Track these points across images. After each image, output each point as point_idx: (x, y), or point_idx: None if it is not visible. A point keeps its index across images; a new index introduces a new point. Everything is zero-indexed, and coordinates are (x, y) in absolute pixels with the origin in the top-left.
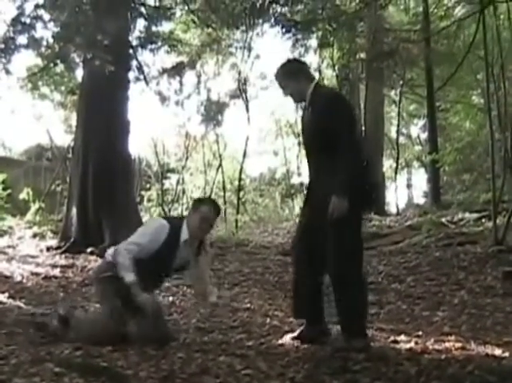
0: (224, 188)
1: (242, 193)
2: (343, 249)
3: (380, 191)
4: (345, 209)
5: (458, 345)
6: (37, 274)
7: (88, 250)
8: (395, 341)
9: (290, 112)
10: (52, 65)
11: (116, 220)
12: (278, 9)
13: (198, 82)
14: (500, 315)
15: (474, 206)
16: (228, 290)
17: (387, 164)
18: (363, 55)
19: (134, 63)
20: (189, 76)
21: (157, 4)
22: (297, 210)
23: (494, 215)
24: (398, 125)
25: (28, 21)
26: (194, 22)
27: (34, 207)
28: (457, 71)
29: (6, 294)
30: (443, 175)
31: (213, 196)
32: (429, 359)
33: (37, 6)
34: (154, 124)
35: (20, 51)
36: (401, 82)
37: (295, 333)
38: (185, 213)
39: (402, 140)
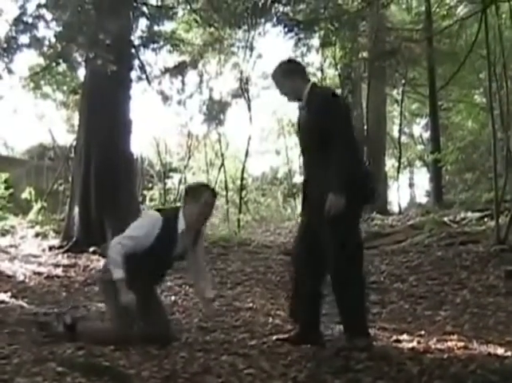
0: (226, 188)
1: (244, 192)
2: (342, 248)
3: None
4: (342, 206)
5: (461, 344)
6: (39, 274)
7: (91, 249)
8: (398, 341)
9: (292, 111)
10: (54, 64)
11: (118, 219)
12: (280, 9)
13: (201, 81)
14: (502, 314)
15: (477, 205)
16: (230, 289)
17: (390, 164)
18: (365, 54)
19: (136, 62)
20: (191, 76)
21: (159, 3)
22: (299, 209)
23: (496, 214)
24: (400, 124)
25: (30, 20)
26: (196, 22)
27: (36, 206)
28: (459, 70)
29: (9, 294)
30: (446, 174)
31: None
32: (431, 358)
33: (39, 6)
34: (156, 123)
35: (22, 50)
36: (403, 81)
37: (286, 335)
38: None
39: (404, 139)
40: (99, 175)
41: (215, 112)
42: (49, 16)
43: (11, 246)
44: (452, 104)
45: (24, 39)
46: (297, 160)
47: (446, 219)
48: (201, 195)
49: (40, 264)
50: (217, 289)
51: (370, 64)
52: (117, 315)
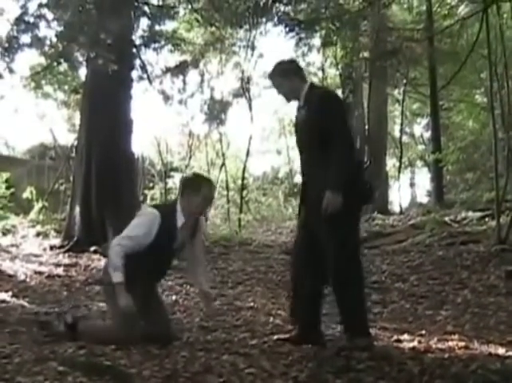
0: (227, 187)
1: (245, 192)
2: (341, 248)
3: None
4: (339, 204)
5: (462, 344)
6: (40, 273)
7: (92, 248)
8: (399, 341)
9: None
10: (55, 64)
11: (119, 219)
12: (282, 8)
13: (202, 81)
14: (503, 314)
15: (478, 205)
16: (231, 288)
17: (391, 163)
18: (366, 54)
19: (137, 62)
20: (192, 75)
21: (160, 3)
22: (297, 209)
23: (497, 213)
24: (401, 124)
25: (31, 20)
26: (197, 21)
27: (38, 205)
28: (460, 70)
29: (10, 293)
30: (447, 174)
31: (216, 195)
32: (432, 358)
33: (40, 5)
34: (157, 122)
35: (23, 50)
36: (404, 81)
37: (287, 335)
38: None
39: (405, 139)
40: (100, 174)
41: (216, 111)
42: (50, 15)
43: (12, 245)
44: (453, 104)
45: (25, 38)
46: (297, 160)
47: (447, 218)
48: (200, 187)
49: (41, 263)
50: (218, 288)
51: (371, 63)
52: (119, 315)
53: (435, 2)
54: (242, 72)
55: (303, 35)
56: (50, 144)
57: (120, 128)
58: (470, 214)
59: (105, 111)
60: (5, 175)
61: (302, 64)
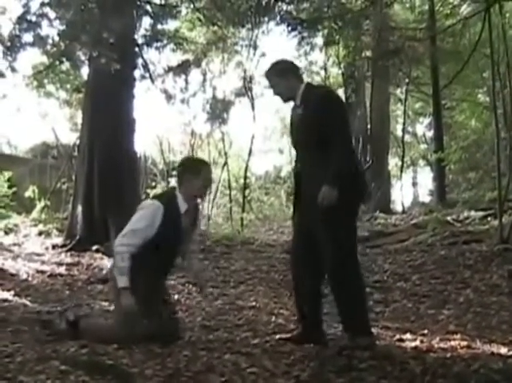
0: (229, 186)
1: (247, 191)
2: (337, 246)
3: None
4: (334, 198)
5: (464, 343)
6: (42, 272)
7: (94, 248)
8: (401, 340)
9: None
10: (57, 62)
11: (121, 218)
12: (284, 8)
13: (204, 80)
14: (506, 314)
15: (480, 204)
16: (233, 288)
17: (393, 163)
18: (368, 53)
19: (139, 61)
20: (194, 75)
21: (163, 2)
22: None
23: (499, 213)
24: (404, 123)
25: (33, 19)
26: (199, 20)
27: (40, 205)
28: (463, 69)
29: (12, 292)
30: (449, 173)
31: (218, 195)
32: (434, 357)
33: (42, 4)
34: (159, 122)
35: (25, 49)
36: (407, 80)
37: (289, 334)
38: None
39: (407, 138)
40: (102, 173)
41: (219, 110)
42: (52, 14)
43: (14, 244)
44: (456, 103)
45: (27, 37)
46: None
47: (449, 218)
48: (200, 170)
49: (43, 262)
50: (220, 287)
51: (373, 63)
52: (124, 315)
53: (438, 2)
54: (245, 71)
55: (305, 34)
56: (52, 142)
57: (123, 127)
58: (473, 213)
59: (107, 110)
60: (7, 174)
61: (304, 63)
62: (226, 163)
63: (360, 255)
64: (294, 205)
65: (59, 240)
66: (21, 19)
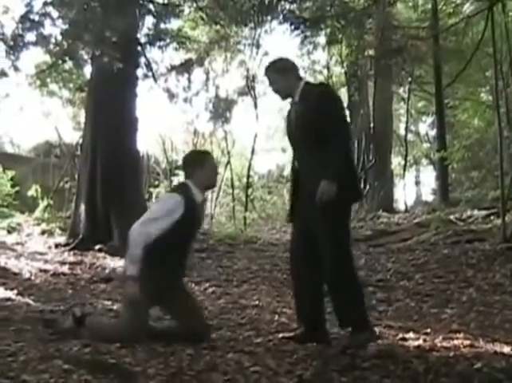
0: (232, 185)
1: (250, 190)
2: (338, 246)
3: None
4: (333, 194)
5: (467, 342)
6: (45, 271)
7: (97, 247)
8: (404, 339)
9: None
10: (60, 62)
11: (124, 217)
12: (287, 6)
13: (207, 79)
14: (509, 313)
15: (483, 203)
16: (236, 287)
17: (396, 161)
18: (371, 52)
19: (142, 60)
20: (197, 74)
21: (165, 1)
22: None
23: (502, 212)
24: (406, 122)
25: (36, 18)
26: (202, 19)
27: (43, 204)
28: (465, 68)
29: (15, 291)
30: (452, 172)
31: (221, 193)
32: (437, 356)
33: (45, 3)
34: (162, 120)
35: (28, 48)
36: (409, 79)
37: (292, 333)
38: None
39: (410, 137)
40: (105, 172)
41: (221, 109)
42: (55, 14)
43: (17, 243)
44: (458, 102)
45: (30, 37)
46: None
47: (452, 217)
48: (204, 161)
49: (46, 261)
50: (223, 286)
51: (376, 62)
52: (131, 316)
53: (440, 0)
54: (247, 70)
55: (308, 33)
56: (55, 142)
57: (125, 126)
58: (476, 212)
59: (110, 109)
60: (10, 173)
61: (307, 62)
62: (228, 162)
63: (363, 254)
64: (292, 204)
65: (62, 239)
66: (24, 18)
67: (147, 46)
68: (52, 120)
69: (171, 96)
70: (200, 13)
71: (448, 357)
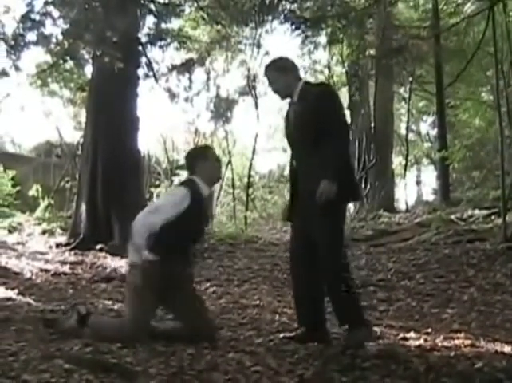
0: (233, 185)
1: (251, 190)
2: (335, 246)
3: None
4: (333, 194)
5: (468, 342)
6: (46, 271)
7: (98, 246)
8: (405, 339)
9: None
10: (61, 61)
11: (125, 217)
12: (288, 6)
13: (208, 79)
14: (510, 312)
15: (484, 203)
16: (237, 286)
17: (397, 161)
18: (372, 52)
19: (143, 60)
20: (198, 73)
21: (166, 1)
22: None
23: (503, 212)
24: (407, 122)
25: (37, 17)
26: (203, 19)
27: (43, 203)
28: (466, 68)
29: (16, 291)
30: (453, 172)
31: (222, 193)
32: (438, 356)
33: (46, 3)
34: (163, 120)
35: (29, 48)
36: (410, 79)
37: (293, 333)
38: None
39: (411, 136)
40: (106, 172)
41: (222, 109)
42: (56, 13)
43: (18, 243)
44: (459, 102)
45: (31, 36)
46: None
47: (453, 216)
48: (207, 154)
49: (47, 261)
50: (224, 286)
51: (377, 61)
52: (135, 315)
53: (441, 0)
54: (248, 70)
55: (309, 33)
56: (56, 141)
57: (126, 125)
58: (477, 212)
59: (111, 109)
60: (11, 173)
61: (308, 62)
62: (229, 162)
63: (364, 254)
64: (290, 203)
65: (63, 239)
66: (25, 18)
67: (148, 46)
68: (53, 119)
69: (172, 95)
70: (201, 13)
71: (449, 356)
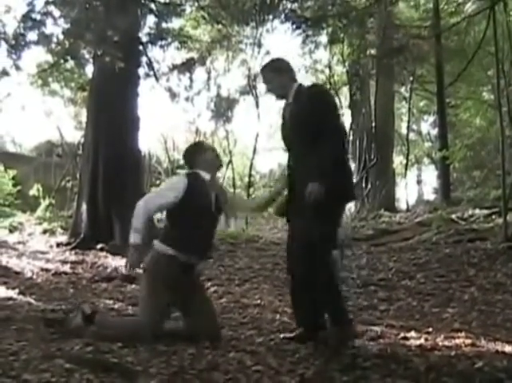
0: (234, 185)
1: (251, 189)
2: (322, 247)
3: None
4: (320, 194)
5: (468, 341)
6: (47, 270)
7: (98, 246)
8: (405, 338)
9: None
10: (62, 61)
11: (125, 216)
12: (288, 6)
13: (208, 78)
14: (510, 312)
15: (485, 202)
16: (238, 286)
17: (398, 161)
18: (373, 51)
19: (144, 59)
20: (199, 73)
21: (167, 0)
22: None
23: (504, 211)
24: (408, 121)
25: (38, 17)
26: (204, 19)
27: (44, 203)
28: (467, 67)
29: (17, 290)
30: (453, 171)
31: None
32: (439, 356)
33: (47, 3)
34: (164, 120)
35: (30, 47)
36: (411, 78)
37: (293, 334)
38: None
39: (412, 136)
40: (107, 172)
41: (223, 109)
42: (57, 13)
43: (19, 242)
44: (460, 102)
45: (32, 36)
46: None
47: (454, 216)
48: (201, 146)
49: (47, 261)
50: (225, 285)
51: (378, 61)
52: (148, 313)
53: (442, 0)
54: (249, 69)
55: (310, 32)
56: (57, 141)
57: (127, 125)
58: (477, 211)
59: (112, 108)
60: (12, 173)
61: (309, 61)
62: (230, 162)
63: (364, 253)
64: (288, 206)
65: (63, 238)
66: (26, 17)
67: (149, 45)
68: (53, 119)
69: (173, 95)
70: (202, 13)
71: (450, 356)
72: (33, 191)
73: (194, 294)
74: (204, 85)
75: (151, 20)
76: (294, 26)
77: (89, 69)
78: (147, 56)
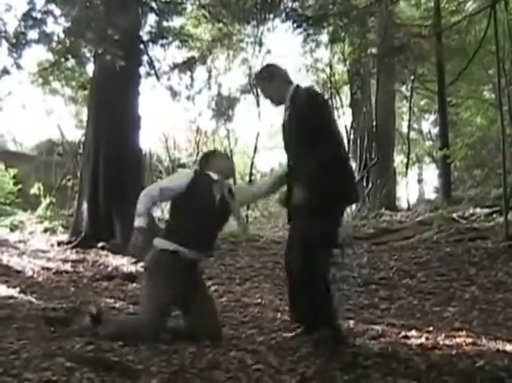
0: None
1: None
2: (309, 247)
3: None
4: (303, 199)
5: (469, 340)
6: (48, 269)
7: (99, 244)
8: (406, 337)
9: None
10: (63, 59)
11: (126, 215)
12: (289, 4)
13: (209, 77)
14: (511, 311)
15: (485, 201)
16: (239, 285)
17: (399, 160)
18: (374, 50)
19: (145, 58)
20: (200, 72)
21: None
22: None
23: (505, 210)
24: (409, 120)
25: (39, 16)
26: (205, 17)
27: (45, 201)
28: (468, 66)
29: (18, 289)
30: (454, 170)
31: None
32: (440, 354)
33: (48, 1)
34: (165, 119)
35: (31, 46)
36: (412, 77)
37: (292, 333)
38: None
39: (413, 135)
40: (107, 170)
41: (224, 107)
42: (57, 11)
43: (20, 241)
44: (461, 100)
45: (33, 34)
46: None
47: (454, 215)
48: (215, 152)
49: (48, 259)
50: (225, 285)
51: (379, 60)
52: (150, 311)
53: None
54: (250, 68)
55: (311, 31)
56: (58, 140)
57: (128, 124)
58: (478, 210)
59: (113, 107)
60: (12, 171)
61: (310, 60)
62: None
63: (365, 252)
64: (288, 208)
65: (64, 237)
66: (27, 16)
67: (150, 44)
68: (54, 118)
69: (174, 94)
70: (203, 11)
71: (451, 355)
72: (33, 190)
73: (196, 292)
74: (205, 84)
75: (151, 18)
76: (295, 25)
77: (90, 68)
78: (147, 54)
